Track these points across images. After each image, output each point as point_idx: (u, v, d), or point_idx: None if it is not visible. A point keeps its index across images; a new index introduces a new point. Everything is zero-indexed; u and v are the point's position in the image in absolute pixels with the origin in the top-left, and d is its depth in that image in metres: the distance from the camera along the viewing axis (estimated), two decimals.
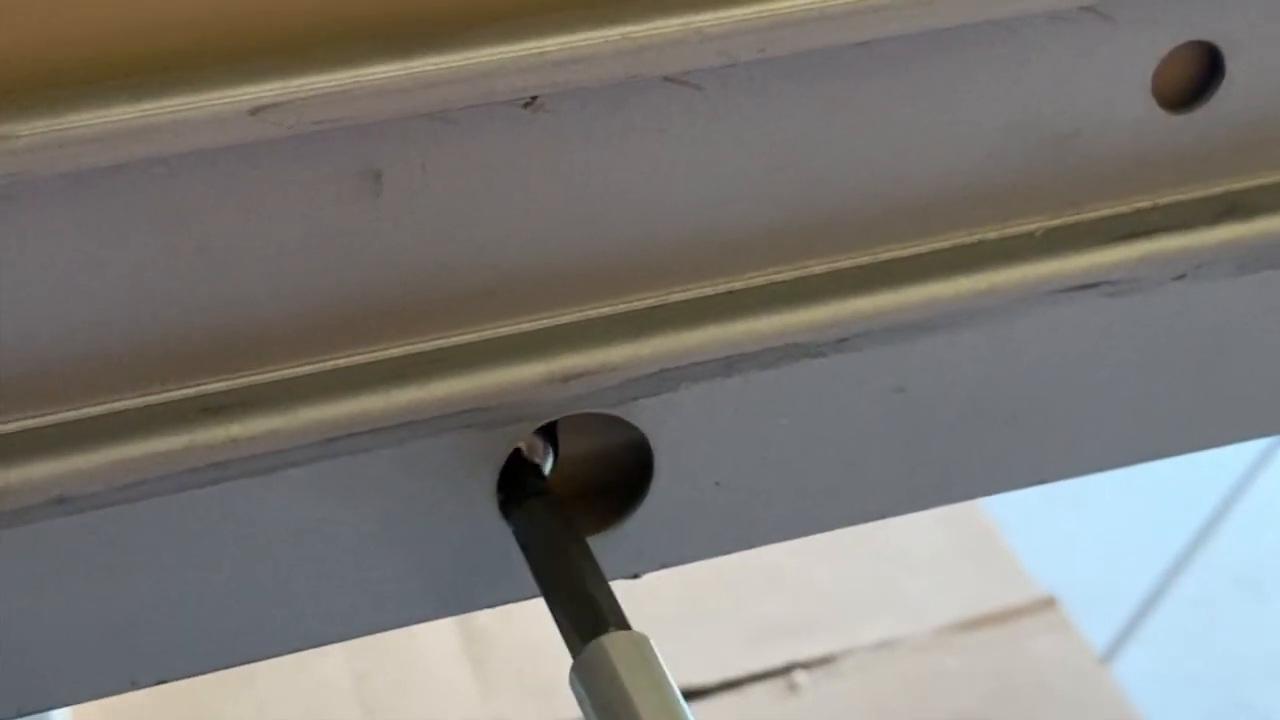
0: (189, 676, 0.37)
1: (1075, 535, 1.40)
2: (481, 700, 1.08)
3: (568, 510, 0.36)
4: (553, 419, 0.36)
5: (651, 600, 1.11)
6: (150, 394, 0.34)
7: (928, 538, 1.14)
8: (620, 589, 0.39)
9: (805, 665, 1.08)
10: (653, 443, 0.37)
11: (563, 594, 0.35)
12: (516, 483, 0.36)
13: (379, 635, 0.38)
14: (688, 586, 1.11)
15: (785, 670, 1.08)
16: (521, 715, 1.07)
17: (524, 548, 0.36)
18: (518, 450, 0.36)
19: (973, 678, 1.05)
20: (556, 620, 0.35)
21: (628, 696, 0.33)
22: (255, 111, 0.31)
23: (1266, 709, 1.32)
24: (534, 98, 0.33)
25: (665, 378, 0.36)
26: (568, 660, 0.34)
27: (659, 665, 0.33)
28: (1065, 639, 1.06)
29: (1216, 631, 1.38)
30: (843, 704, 1.05)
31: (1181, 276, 0.38)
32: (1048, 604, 1.08)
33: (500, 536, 0.37)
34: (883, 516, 0.39)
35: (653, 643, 0.34)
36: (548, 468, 0.37)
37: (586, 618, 0.34)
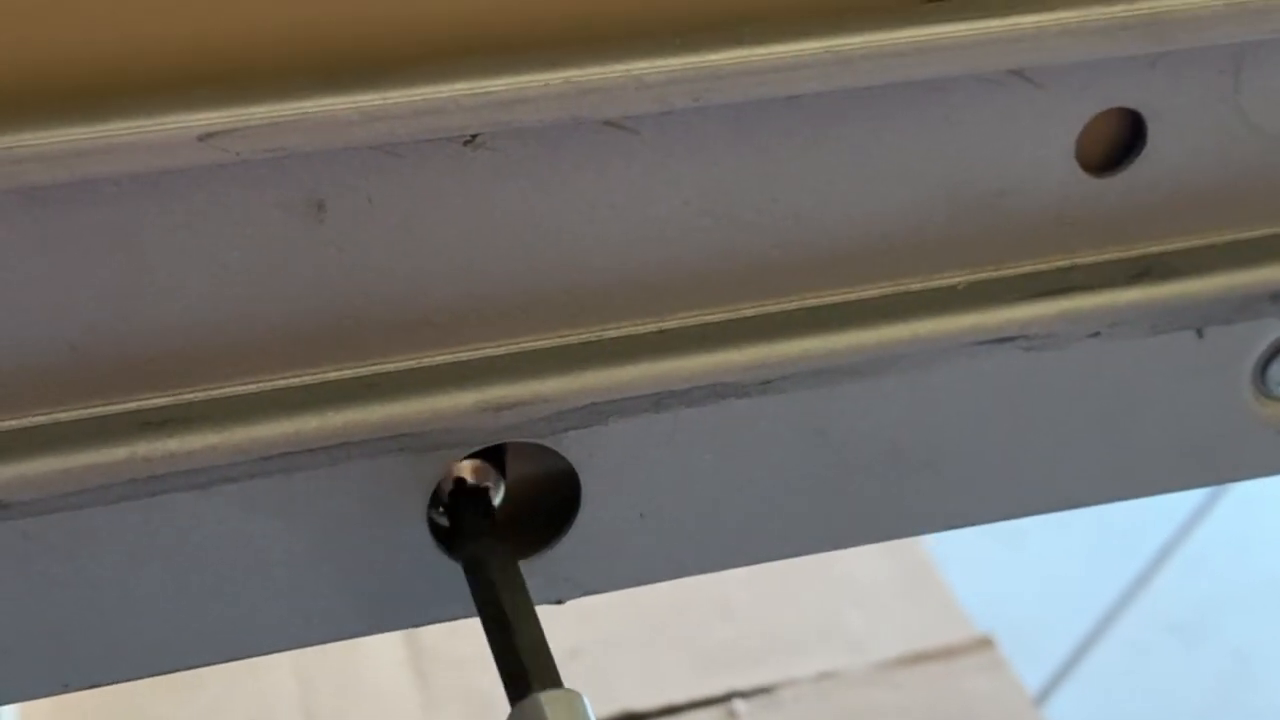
0: (120, 681, 0.38)
1: (1014, 575, 1.42)
2: (424, 714, 1.08)
3: (510, 545, 0.37)
4: (484, 446, 0.37)
5: (600, 622, 1.12)
6: (93, 406, 0.35)
7: (871, 572, 1.15)
8: (570, 607, 0.40)
9: (745, 694, 1.09)
10: (580, 473, 0.38)
11: (504, 641, 0.36)
12: (464, 515, 0.37)
13: (326, 645, 0.39)
14: (637, 610, 1.12)
15: (725, 698, 1.09)
16: None
17: (470, 584, 0.37)
18: (464, 481, 0.37)
19: (908, 713, 1.06)
20: (497, 664, 0.36)
21: None
22: (204, 137, 0.32)
23: None
24: (475, 135, 0.34)
25: (595, 411, 0.37)
26: None
27: None
28: (1000, 678, 1.07)
29: (1149, 676, 1.39)
30: None
31: (1096, 334, 0.39)
32: (984, 643, 1.09)
33: (430, 557, 0.38)
34: (802, 553, 0.40)
35: (591, 685, 0.35)
36: (497, 499, 0.38)
37: (525, 670, 0.35)
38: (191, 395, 0.36)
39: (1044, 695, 1.35)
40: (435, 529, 0.38)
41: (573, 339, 0.37)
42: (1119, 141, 0.38)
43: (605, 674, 1.07)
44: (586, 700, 0.34)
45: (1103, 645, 1.40)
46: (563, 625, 0.40)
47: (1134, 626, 1.42)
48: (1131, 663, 1.40)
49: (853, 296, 0.38)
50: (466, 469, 0.38)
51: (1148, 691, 1.38)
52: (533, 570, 0.39)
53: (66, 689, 0.38)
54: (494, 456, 0.38)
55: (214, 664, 0.38)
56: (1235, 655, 1.40)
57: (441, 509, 0.38)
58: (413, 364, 0.37)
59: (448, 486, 0.38)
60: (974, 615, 1.11)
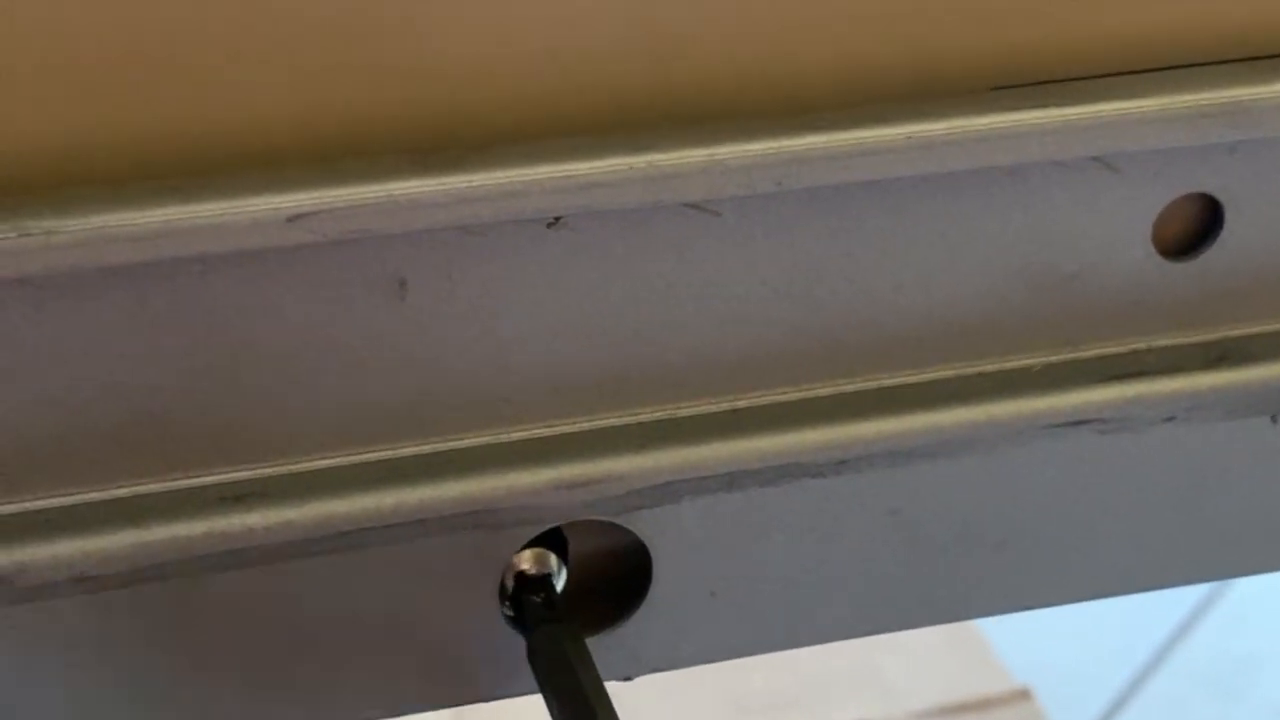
0: None
1: (1052, 627, 1.41)
2: None
3: (577, 630, 0.37)
4: (557, 524, 0.37)
5: None
6: (173, 480, 0.35)
7: None
8: None
9: None
10: (652, 551, 0.38)
11: None
12: (528, 602, 0.37)
13: None
14: None
15: None
16: None
17: (539, 668, 0.37)
18: (525, 570, 0.37)
19: None
20: None
21: None
22: (293, 219, 0.32)
23: None
24: (559, 217, 0.35)
25: (668, 489, 0.37)
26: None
27: None
28: None
29: None
30: None
31: (1171, 418, 0.39)
32: (1023, 694, 1.09)
33: (502, 635, 0.38)
34: (872, 633, 0.40)
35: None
36: (560, 584, 0.38)
37: None
38: (270, 470, 0.36)
39: None
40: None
41: (647, 417, 0.37)
42: (1196, 226, 0.39)
43: (640, 717, 1.07)
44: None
45: (1141, 699, 1.40)
46: None
47: (1172, 680, 1.41)
48: (1169, 717, 1.39)
49: (928, 378, 0.38)
50: (526, 558, 0.38)
51: None
52: (600, 647, 0.39)
53: None
54: (554, 542, 0.38)
55: None
56: (1274, 711, 1.39)
57: (506, 601, 0.38)
58: (489, 441, 0.37)
59: (510, 576, 0.38)
60: (1012, 666, 1.11)
